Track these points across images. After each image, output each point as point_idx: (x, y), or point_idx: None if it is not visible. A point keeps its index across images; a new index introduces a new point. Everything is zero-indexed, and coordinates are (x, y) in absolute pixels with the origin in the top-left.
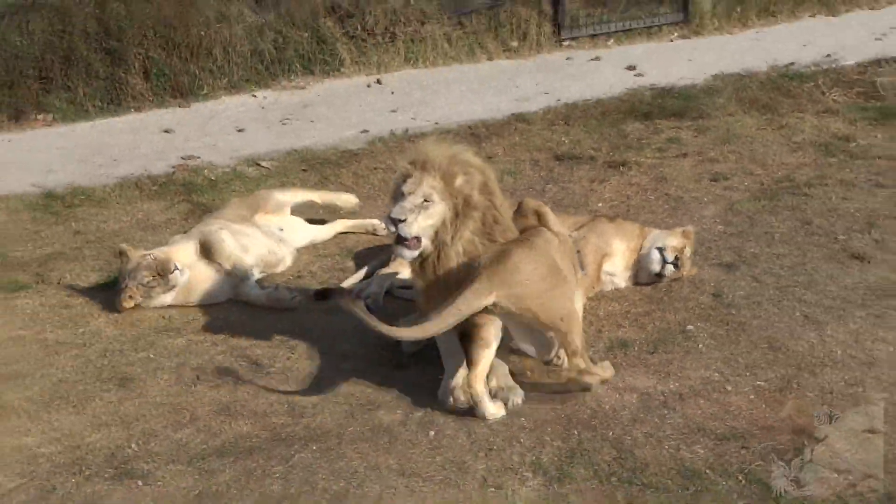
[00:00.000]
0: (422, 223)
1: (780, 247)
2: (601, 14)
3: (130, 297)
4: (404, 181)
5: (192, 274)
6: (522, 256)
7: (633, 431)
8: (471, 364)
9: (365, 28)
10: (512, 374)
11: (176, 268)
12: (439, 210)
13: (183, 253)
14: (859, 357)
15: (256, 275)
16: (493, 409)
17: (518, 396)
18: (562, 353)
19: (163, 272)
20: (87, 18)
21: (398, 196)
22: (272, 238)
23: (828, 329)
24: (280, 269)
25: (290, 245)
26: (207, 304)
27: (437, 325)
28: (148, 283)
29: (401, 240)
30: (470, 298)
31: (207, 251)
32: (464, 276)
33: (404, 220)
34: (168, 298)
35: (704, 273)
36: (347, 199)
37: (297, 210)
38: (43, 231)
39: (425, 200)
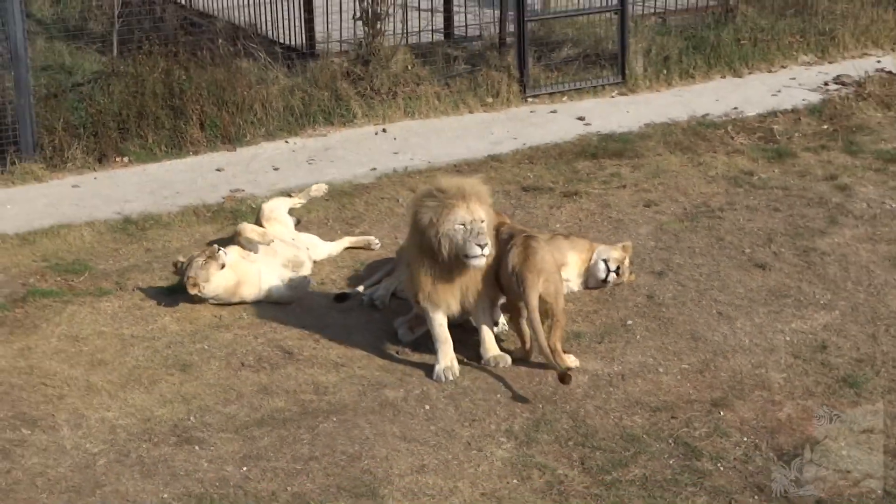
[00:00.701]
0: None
1: (699, 258)
2: (557, 76)
3: (194, 283)
4: (451, 210)
5: (237, 271)
6: (543, 251)
7: (586, 405)
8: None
9: (373, 88)
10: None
11: (220, 249)
12: (488, 226)
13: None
14: (763, 345)
15: (287, 274)
16: (574, 360)
17: (506, 361)
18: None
19: (211, 254)
20: (156, 82)
21: (464, 225)
22: (289, 244)
23: (737, 323)
24: (305, 271)
25: (306, 249)
26: (250, 303)
27: (537, 323)
28: (202, 263)
29: (476, 256)
30: (534, 295)
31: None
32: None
33: (488, 243)
34: (221, 281)
35: (640, 279)
36: (318, 188)
37: (309, 228)
38: (121, 249)
39: (482, 222)
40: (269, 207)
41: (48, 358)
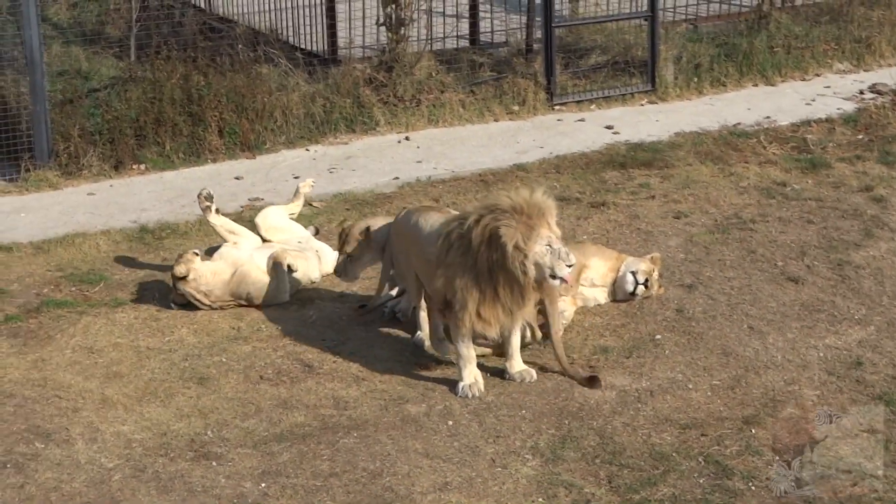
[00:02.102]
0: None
1: (730, 271)
2: (585, 84)
3: (179, 275)
4: (536, 231)
5: (230, 262)
6: None
7: (613, 421)
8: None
9: (396, 95)
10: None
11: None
12: None
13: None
14: (795, 361)
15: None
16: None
17: (532, 377)
18: None
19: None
20: (174, 88)
21: (550, 245)
22: (295, 247)
23: (769, 338)
24: (316, 275)
25: (315, 252)
26: (258, 305)
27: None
28: (178, 259)
29: (564, 276)
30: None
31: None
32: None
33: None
34: (208, 269)
35: (669, 292)
36: (305, 184)
37: (330, 238)
38: (138, 258)
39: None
40: (260, 218)
41: (62, 370)
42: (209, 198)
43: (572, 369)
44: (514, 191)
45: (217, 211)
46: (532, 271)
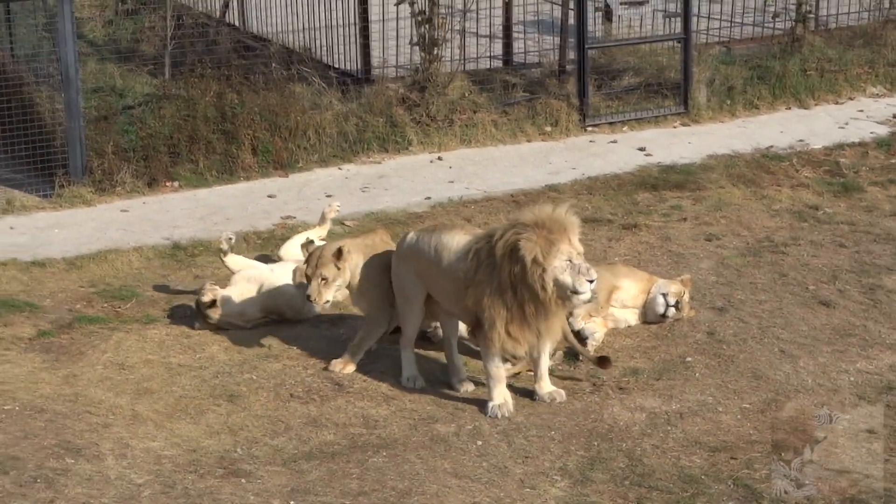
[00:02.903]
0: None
1: (761, 294)
2: (618, 106)
3: (208, 290)
4: (556, 246)
5: (255, 279)
6: None
7: (643, 443)
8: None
9: (429, 115)
10: None
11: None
12: None
13: None
14: (826, 385)
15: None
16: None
17: (562, 397)
18: None
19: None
20: (208, 106)
21: (570, 260)
22: None
23: (800, 362)
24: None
25: None
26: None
27: None
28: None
29: (585, 292)
30: None
31: None
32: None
33: (596, 277)
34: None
35: (700, 315)
36: (331, 208)
37: None
38: (170, 275)
39: (583, 254)
40: (283, 252)
41: (94, 385)
42: (228, 240)
43: (582, 347)
44: (538, 206)
45: (230, 251)
46: (551, 286)
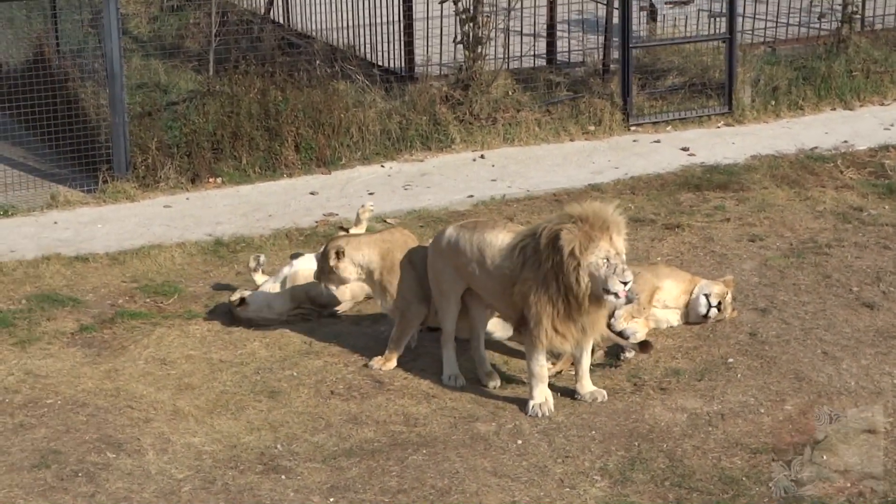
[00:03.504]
0: None
1: (804, 296)
2: (661, 105)
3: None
4: (595, 242)
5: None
6: None
7: (683, 444)
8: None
9: (472, 113)
10: None
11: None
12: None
13: None
14: (869, 388)
15: None
16: None
17: (603, 397)
18: None
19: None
20: (252, 103)
21: (608, 259)
22: None
23: (843, 364)
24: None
25: None
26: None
27: None
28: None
29: (617, 292)
30: None
31: None
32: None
33: (632, 279)
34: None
35: (743, 316)
36: (364, 210)
37: None
38: (212, 271)
39: (623, 254)
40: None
41: (135, 381)
42: (257, 259)
43: (620, 338)
44: (586, 202)
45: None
46: (585, 281)
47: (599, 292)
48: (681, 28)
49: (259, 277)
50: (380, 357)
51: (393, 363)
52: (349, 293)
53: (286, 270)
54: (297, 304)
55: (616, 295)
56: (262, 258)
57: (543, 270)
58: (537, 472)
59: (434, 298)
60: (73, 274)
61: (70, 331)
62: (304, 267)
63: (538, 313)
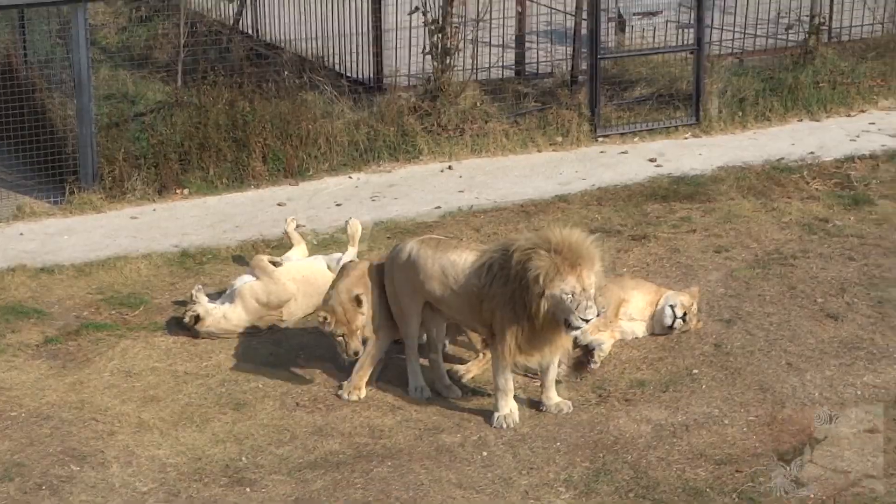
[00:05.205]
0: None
1: (769, 307)
2: (629, 116)
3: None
4: (561, 277)
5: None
6: None
7: (648, 455)
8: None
9: (440, 124)
10: None
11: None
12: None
13: None
14: (833, 398)
15: None
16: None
17: (568, 408)
18: None
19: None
20: (219, 113)
21: (573, 294)
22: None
23: (807, 375)
24: None
25: None
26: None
27: None
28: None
29: (578, 328)
30: None
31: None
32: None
33: (593, 315)
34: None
35: (708, 327)
36: (353, 225)
37: None
38: (178, 283)
39: (591, 289)
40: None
41: (100, 393)
42: (199, 291)
43: None
44: (567, 229)
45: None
46: (545, 309)
47: (561, 323)
48: (649, 39)
49: (203, 299)
50: (347, 383)
51: (363, 392)
52: (301, 311)
53: (237, 283)
54: (251, 315)
55: (576, 329)
56: (202, 289)
57: (511, 288)
58: (502, 484)
59: (394, 312)
60: (38, 286)
61: (35, 343)
62: (247, 281)
63: (503, 329)
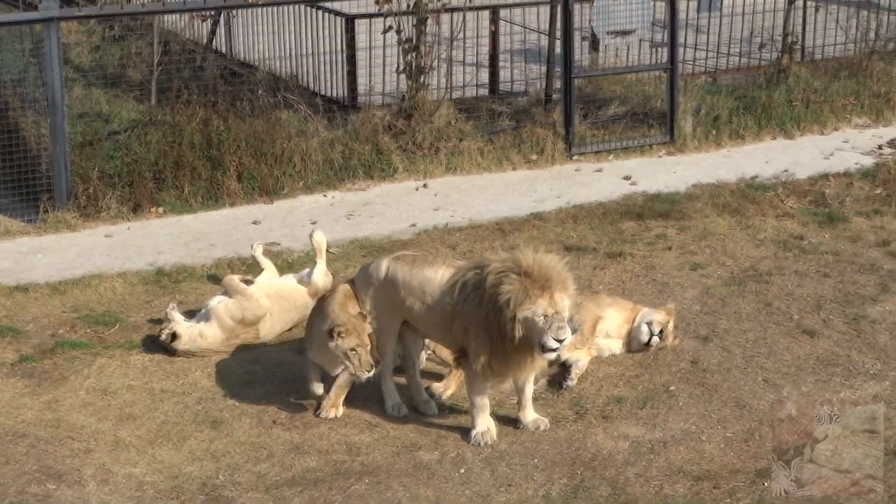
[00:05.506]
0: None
1: (745, 323)
2: (603, 135)
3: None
4: (532, 301)
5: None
6: None
7: (626, 472)
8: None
9: (415, 143)
10: None
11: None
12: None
13: None
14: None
15: None
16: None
17: (546, 425)
18: None
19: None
20: (194, 132)
21: (545, 317)
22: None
23: (784, 391)
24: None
25: None
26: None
27: None
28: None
29: (552, 349)
30: None
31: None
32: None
33: (567, 337)
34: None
35: (684, 344)
36: (318, 237)
37: None
38: (154, 301)
39: (564, 312)
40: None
41: (76, 411)
42: (173, 307)
43: None
44: (539, 253)
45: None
46: (518, 333)
47: (536, 346)
48: (623, 58)
49: (178, 317)
50: (326, 403)
51: (340, 410)
52: (278, 327)
53: (211, 302)
54: (226, 332)
55: (551, 351)
56: (175, 307)
57: (484, 310)
58: (480, 501)
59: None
60: (12, 304)
61: (10, 361)
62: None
63: (477, 350)
